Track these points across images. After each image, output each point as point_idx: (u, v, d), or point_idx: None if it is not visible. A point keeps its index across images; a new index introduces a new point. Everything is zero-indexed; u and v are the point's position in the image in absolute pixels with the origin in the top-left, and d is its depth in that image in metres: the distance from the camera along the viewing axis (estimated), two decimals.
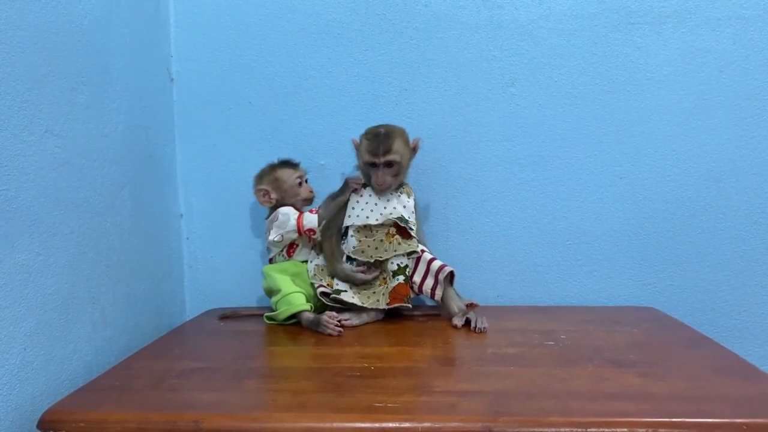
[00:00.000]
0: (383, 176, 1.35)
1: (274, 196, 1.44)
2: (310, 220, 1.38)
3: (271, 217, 1.43)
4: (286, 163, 1.45)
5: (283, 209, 1.41)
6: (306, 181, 1.46)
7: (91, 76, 1.19)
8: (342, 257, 1.39)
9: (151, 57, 1.47)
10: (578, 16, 1.49)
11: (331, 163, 1.56)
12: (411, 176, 1.48)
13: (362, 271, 1.37)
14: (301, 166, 1.47)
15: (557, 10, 1.49)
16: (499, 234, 1.55)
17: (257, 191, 1.44)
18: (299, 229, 1.39)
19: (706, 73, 1.47)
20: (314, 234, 1.39)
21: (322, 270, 1.41)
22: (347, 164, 1.52)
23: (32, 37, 1.01)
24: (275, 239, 1.41)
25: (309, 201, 1.46)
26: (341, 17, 1.53)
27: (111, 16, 1.27)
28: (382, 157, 1.33)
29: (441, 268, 1.36)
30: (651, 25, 1.48)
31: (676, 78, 1.48)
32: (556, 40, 1.50)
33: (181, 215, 1.62)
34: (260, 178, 1.46)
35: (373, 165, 1.35)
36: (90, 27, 1.18)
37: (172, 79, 1.58)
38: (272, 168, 1.45)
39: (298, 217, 1.39)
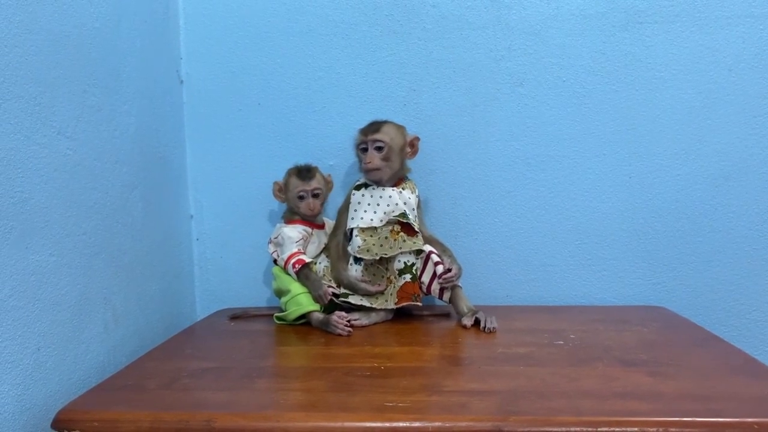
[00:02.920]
0: (372, 156, 1.35)
1: (283, 196, 1.45)
2: (291, 272, 1.38)
3: (278, 228, 1.44)
4: (300, 173, 1.43)
5: (287, 231, 1.41)
6: (317, 196, 1.43)
7: (102, 79, 1.20)
8: (347, 263, 1.40)
9: (160, 59, 1.48)
10: (587, 16, 1.49)
11: (340, 163, 1.57)
12: (419, 176, 1.49)
13: (366, 282, 1.37)
14: (314, 181, 1.43)
15: (565, 10, 1.49)
16: (508, 234, 1.55)
17: (274, 183, 1.46)
18: (285, 265, 1.39)
19: (716, 71, 1.47)
20: None
21: (330, 270, 1.41)
22: (356, 164, 1.52)
23: (44, 40, 1.02)
24: (272, 255, 1.43)
25: (309, 216, 1.45)
26: (349, 18, 1.54)
27: (121, 19, 1.28)
28: (371, 135, 1.35)
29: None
30: (660, 24, 1.47)
31: (685, 77, 1.48)
32: (565, 40, 1.50)
33: (192, 216, 1.63)
34: (285, 173, 1.46)
35: (364, 148, 1.37)
36: (101, 30, 1.19)
37: (181, 81, 1.59)
38: (292, 170, 1.45)
39: (290, 256, 1.38)
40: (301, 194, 1.42)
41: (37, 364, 0.99)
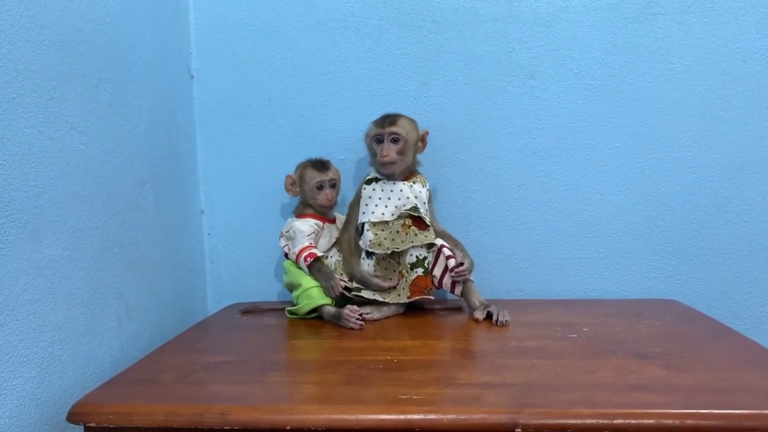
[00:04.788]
0: (388, 149, 1.35)
1: (297, 189, 1.45)
2: (302, 266, 1.38)
3: (289, 222, 1.44)
4: (315, 164, 1.43)
5: (298, 225, 1.40)
6: (334, 186, 1.44)
7: (114, 74, 1.20)
8: (360, 257, 1.40)
9: (171, 54, 1.48)
10: (598, 7, 1.48)
11: (351, 157, 1.56)
12: (430, 169, 1.48)
13: (379, 277, 1.37)
14: (330, 171, 1.44)
15: (576, 1, 1.48)
16: (520, 227, 1.55)
17: (286, 177, 1.45)
18: (296, 258, 1.39)
19: (729, 62, 1.46)
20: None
21: (342, 265, 1.41)
22: (367, 158, 1.52)
23: (56, 35, 1.02)
24: (284, 249, 1.43)
25: (327, 208, 1.45)
26: (359, 11, 1.54)
27: (132, 15, 1.28)
28: (388, 127, 1.35)
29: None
30: (672, 15, 1.46)
31: (697, 68, 1.47)
32: (576, 32, 1.49)
33: (203, 211, 1.63)
34: (297, 166, 1.46)
35: (379, 140, 1.36)
36: (112, 25, 1.20)
37: (192, 76, 1.59)
38: (305, 163, 1.45)
39: (301, 250, 1.37)
40: (319, 184, 1.42)
41: (51, 358, 0.99)
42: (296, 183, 1.44)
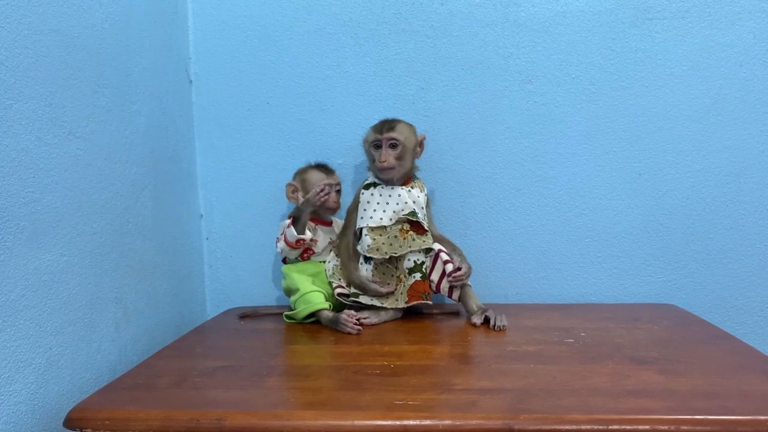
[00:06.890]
0: (386, 155, 1.35)
1: (300, 195, 1.45)
2: (290, 234, 1.37)
3: (282, 226, 1.43)
4: (320, 167, 1.45)
5: (285, 221, 1.40)
6: (338, 191, 1.46)
7: (112, 79, 1.21)
8: (358, 262, 1.40)
9: (170, 59, 1.48)
10: (595, 12, 1.48)
11: (349, 162, 1.57)
12: (428, 174, 1.49)
13: (377, 283, 1.37)
14: (336, 175, 1.46)
15: (574, 7, 1.48)
16: (518, 231, 1.55)
17: (287, 185, 1.45)
18: (290, 245, 1.38)
19: (726, 67, 1.46)
20: (306, 242, 1.39)
21: (340, 270, 1.41)
22: (365, 163, 1.52)
23: (55, 41, 1.02)
24: (282, 254, 1.44)
25: (332, 211, 1.46)
26: (358, 17, 1.54)
27: (131, 20, 1.28)
28: (386, 133, 1.35)
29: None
30: (669, 20, 1.47)
31: (695, 73, 1.47)
32: (574, 37, 1.49)
33: (201, 215, 1.63)
34: (295, 174, 1.47)
35: (377, 145, 1.37)
36: (110, 30, 1.20)
37: (190, 81, 1.59)
38: (306, 168, 1.46)
39: (285, 238, 1.38)
40: (327, 189, 1.42)
41: (49, 363, 0.99)
42: (298, 189, 1.45)
